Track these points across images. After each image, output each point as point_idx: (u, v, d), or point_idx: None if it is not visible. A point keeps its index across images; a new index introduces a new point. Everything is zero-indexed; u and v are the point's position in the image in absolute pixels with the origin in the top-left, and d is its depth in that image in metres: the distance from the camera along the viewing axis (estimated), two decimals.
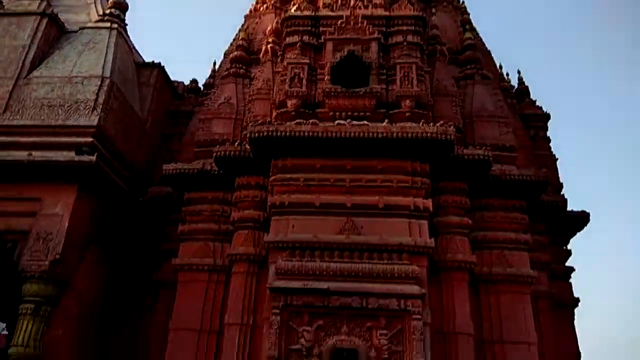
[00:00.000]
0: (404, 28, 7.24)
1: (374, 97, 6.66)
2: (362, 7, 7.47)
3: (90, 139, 7.07)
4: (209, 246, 6.77)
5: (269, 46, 8.07)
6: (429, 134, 5.98)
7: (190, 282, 6.57)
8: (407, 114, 6.52)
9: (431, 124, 6.21)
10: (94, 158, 6.68)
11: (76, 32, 8.38)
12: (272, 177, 6.45)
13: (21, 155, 6.79)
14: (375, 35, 7.03)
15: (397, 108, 6.66)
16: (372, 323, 5.42)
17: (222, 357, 6.03)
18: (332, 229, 6.00)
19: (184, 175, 7.01)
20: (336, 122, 6.29)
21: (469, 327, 6.02)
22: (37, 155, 6.79)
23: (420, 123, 6.16)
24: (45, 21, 8.10)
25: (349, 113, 6.55)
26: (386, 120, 6.27)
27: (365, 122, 6.24)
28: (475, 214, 6.77)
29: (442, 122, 6.29)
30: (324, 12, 7.55)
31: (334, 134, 6.07)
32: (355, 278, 5.63)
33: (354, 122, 6.21)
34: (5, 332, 9.21)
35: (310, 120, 6.34)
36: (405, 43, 7.05)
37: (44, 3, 8.28)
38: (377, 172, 6.24)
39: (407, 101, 6.63)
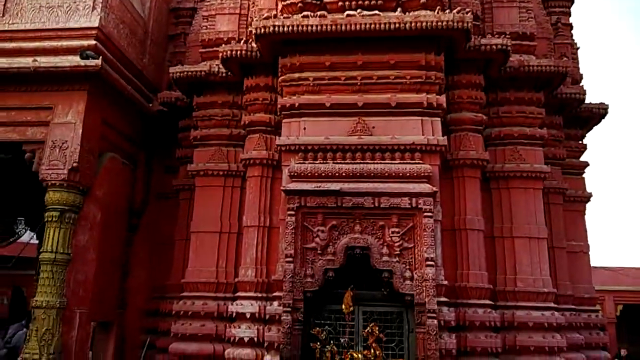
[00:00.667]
0: None
1: None
2: None
3: (93, 42, 6.77)
4: (222, 151, 6.83)
5: None
6: (444, 23, 5.61)
7: (207, 187, 6.74)
8: (421, 1, 6.02)
9: (447, 11, 5.79)
10: (99, 62, 6.42)
11: None
12: (281, 78, 6.27)
13: (26, 62, 6.55)
14: None
15: None
16: (384, 221, 5.55)
17: (242, 257, 6.37)
18: (344, 130, 5.94)
19: (191, 78, 6.83)
20: (345, 13, 5.90)
21: (480, 224, 6.17)
22: (43, 61, 6.54)
23: (436, 11, 5.74)
24: None
25: (359, 2, 6.06)
26: (399, 9, 5.86)
27: (377, 11, 5.85)
28: (489, 110, 6.58)
29: (458, 8, 5.85)
30: None
31: (342, 28, 5.73)
32: (368, 178, 5.68)
33: (365, 13, 5.83)
34: (36, 241, 9.81)
35: (318, 12, 5.96)
36: None
37: None
38: (389, 67, 5.99)
39: None
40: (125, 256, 7.51)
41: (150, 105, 7.61)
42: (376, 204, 5.55)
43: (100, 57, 6.50)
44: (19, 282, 15.21)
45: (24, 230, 10.80)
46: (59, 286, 6.07)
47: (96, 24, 6.79)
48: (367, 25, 5.67)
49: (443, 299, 5.61)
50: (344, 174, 5.71)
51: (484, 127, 6.46)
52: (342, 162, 5.83)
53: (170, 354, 6.27)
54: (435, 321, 5.17)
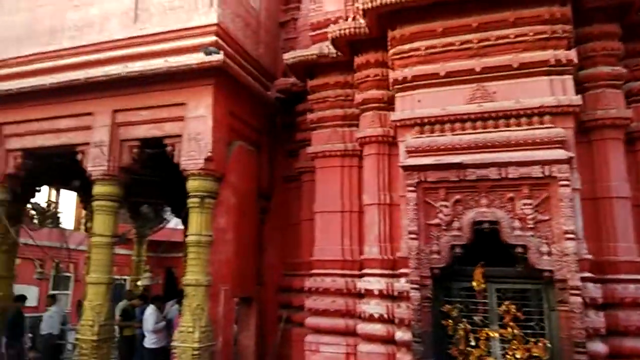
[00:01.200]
0: None
1: None
2: None
3: (213, 38, 7.15)
4: (338, 132, 6.90)
5: None
6: None
7: (326, 168, 6.88)
8: None
9: None
10: (221, 57, 6.76)
11: None
12: (391, 51, 6.09)
13: (159, 63, 7.10)
14: None
15: None
16: (514, 193, 5.18)
17: (365, 235, 6.44)
18: (461, 98, 5.61)
19: (303, 63, 6.97)
20: None
21: (626, 190, 5.47)
22: (172, 61, 7.05)
23: None
24: None
25: None
26: None
27: None
28: (629, 62, 5.74)
29: None
30: None
31: None
32: (492, 148, 5.31)
33: None
34: (181, 227, 10.94)
35: None
36: None
37: None
38: (508, 26, 5.48)
39: None
40: (259, 236, 8.08)
41: (269, 92, 7.95)
42: (503, 175, 5.18)
43: (222, 52, 6.89)
44: (170, 263, 17.29)
45: (171, 217, 12.17)
46: (204, 265, 6.74)
47: (215, 21, 7.16)
48: None
49: (587, 274, 5.12)
50: (464, 145, 5.42)
51: (623, 82, 5.67)
52: (462, 132, 5.54)
53: (307, 327, 6.64)
54: (580, 298, 4.74)
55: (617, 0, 5.42)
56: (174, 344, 6.46)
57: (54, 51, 8.03)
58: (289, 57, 7.07)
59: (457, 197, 5.41)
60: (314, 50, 6.89)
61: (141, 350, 8.26)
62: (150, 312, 8.10)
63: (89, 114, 7.60)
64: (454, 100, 5.64)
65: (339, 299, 6.44)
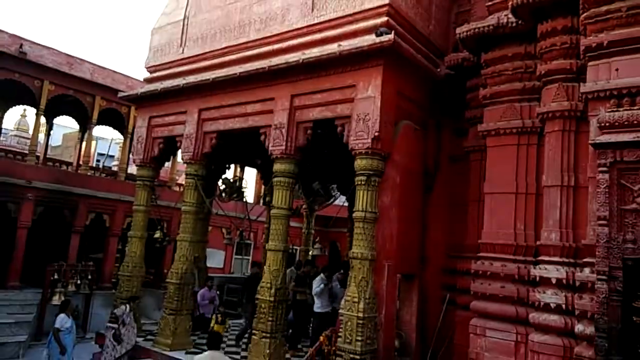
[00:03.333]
0: None
1: None
2: None
3: (385, 19, 7.18)
4: (515, 107, 6.43)
5: None
6: None
7: (499, 146, 6.50)
8: None
9: None
10: (392, 37, 6.71)
11: None
12: (584, 14, 5.42)
13: (332, 48, 7.34)
14: None
15: None
16: None
17: (542, 219, 5.94)
18: None
19: (478, 35, 6.62)
20: None
21: None
22: (345, 45, 7.24)
23: None
24: None
25: None
26: None
27: None
28: None
29: None
30: None
31: None
32: None
33: None
34: (346, 204, 11.34)
35: None
36: None
37: None
38: None
39: None
40: (423, 215, 7.97)
41: (438, 70, 7.74)
42: None
43: (393, 32, 6.89)
44: (335, 237, 18.25)
45: (338, 194, 12.76)
46: (370, 240, 6.89)
47: (387, 1, 7.21)
48: None
49: None
50: None
51: None
52: None
53: (472, 311, 6.41)
54: None
55: None
56: (341, 311, 6.79)
57: (243, 43, 8.98)
58: (462, 30, 6.79)
59: None
60: (490, 20, 6.50)
61: (312, 314, 8.96)
62: (317, 279, 8.72)
63: (271, 99, 8.28)
64: None
65: (509, 284, 6.07)
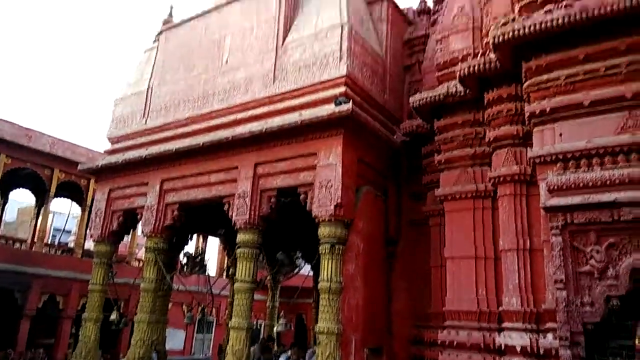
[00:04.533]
0: None
1: None
2: None
3: (343, 89, 7.44)
4: (468, 172, 6.56)
5: None
6: None
7: (456, 211, 6.53)
8: None
9: None
10: (350, 106, 6.92)
11: None
12: (527, 83, 5.69)
13: (293, 117, 7.55)
14: None
15: None
16: None
17: (502, 283, 5.88)
18: (609, 129, 4.97)
19: (430, 103, 6.86)
20: None
21: None
22: (305, 114, 7.43)
23: None
24: None
25: None
26: None
27: None
28: None
29: None
30: None
31: (595, 13, 4.89)
32: None
33: None
34: (311, 273, 11.13)
35: (564, 2, 5.21)
36: None
37: None
38: None
39: None
40: (387, 283, 7.82)
41: (395, 136, 7.94)
42: None
43: (350, 101, 7.11)
44: (301, 309, 17.54)
45: (303, 263, 12.49)
46: (335, 313, 6.66)
47: (344, 73, 7.50)
48: (629, 3, 4.69)
49: None
50: (617, 181, 4.74)
51: None
52: (613, 167, 4.86)
53: None
54: None
55: None
56: None
57: (207, 113, 9.09)
58: (415, 99, 7.03)
59: (611, 240, 4.73)
60: (440, 90, 6.77)
61: None
62: (284, 357, 8.29)
63: (234, 167, 8.27)
64: (601, 131, 5.03)
65: (475, 354, 5.87)
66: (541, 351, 5.23)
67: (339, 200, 6.89)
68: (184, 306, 17.67)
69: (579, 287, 4.76)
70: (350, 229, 7.12)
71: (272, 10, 8.75)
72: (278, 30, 8.56)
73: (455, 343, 6.06)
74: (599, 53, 5.13)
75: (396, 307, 7.75)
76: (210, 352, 16.87)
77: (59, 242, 22.15)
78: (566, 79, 5.33)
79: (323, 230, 7.01)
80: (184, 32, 10.24)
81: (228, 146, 8.25)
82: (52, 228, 27.58)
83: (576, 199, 4.91)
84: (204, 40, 9.70)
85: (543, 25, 5.21)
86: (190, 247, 13.20)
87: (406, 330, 7.58)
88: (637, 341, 4.44)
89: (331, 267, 6.84)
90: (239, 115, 8.56)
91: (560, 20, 5.10)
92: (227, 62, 9.16)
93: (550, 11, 5.24)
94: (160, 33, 10.78)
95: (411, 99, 7.14)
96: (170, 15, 11.00)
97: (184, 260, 10.73)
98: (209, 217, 10.00)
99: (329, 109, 7.25)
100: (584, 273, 4.77)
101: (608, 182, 4.79)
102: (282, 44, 8.47)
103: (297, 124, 7.43)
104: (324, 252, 6.97)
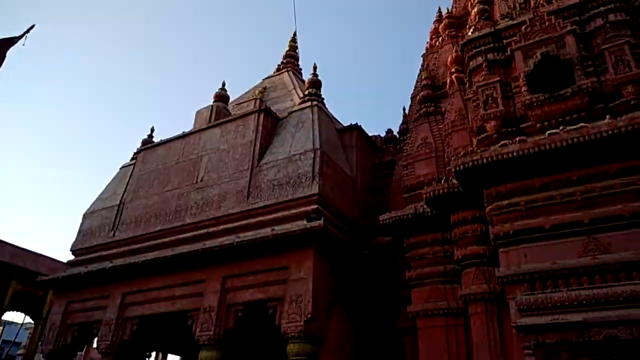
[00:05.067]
0: (602, 9, 6.30)
1: (585, 95, 5.80)
2: (544, 4, 6.81)
3: (315, 206, 7.78)
4: (439, 289, 6.72)
5: (453, 76, 7.95)
6: None
7: (428, 328, 6.56)
8: (632, 102, 5.51)
9: None
10: (321, 222, 7.20)
11: (286, 117, 9.61)
12: (488, 208, 6.12)
13: (266, 232, 7.73)
14: (569, 27, 6.26)
15: (617, 99, 5.72)
16: None
17: None
18: (572, 251, 5.30)
19: (399, 222, 7.20)
20: (547, 133, 5.71)
21: None
22: (278, 229, 7.65)
23: None
24: (262, 116, 9.45)
25: (559, 119, 5.83)
26: (607, 116, 5.40)
27: (582, 124, 5.51)
28: None
29: None
30: (504, 23, 7.07)
31: (546, 147, 5.51)
32: (617, 304, 4.80)
33: (568, 128, 5.53)
34: None
35: (517, 138, 5.88)
36: (607, 24, 6.11)
37: (258, 102, 9.84)
38: (611, 177, 5.36)
39: (629, 87, 5.60)
40: None
41: (366, 252, 8.13)
42: (636, 335, 4.59)
43: (322, 218, 7.39)
44: None
45: None
46: None
47: (316, 191, 7.87)
48: (575, 139, 5.33)
49: None
50: (584, 302, 4.96)
51: None
52: (579, 287, 5.11)
53: None
54: None
55: None
56: None
57: (178, 226, 9.14)
58: (384, 217, 7.37)
59: None
60: (408, 210, 7.15)
61: None
62: None
63: (202, 281, 8.16)
64: (564, 253, 5.35)
65: None
66: None
67: (309, 316, 6.84)
68: None
69: None
70: (321, 346, 6.94)
71: (250, 135, 9.34)
72: (254, 152, 9.06)
73: None
74: (554, 182, 5.64)
75: None
76: None
77: (7, 354, 20.04)
78: (526, 204, 5.77)
79: (292, 348, 6.85)
80: (162, 150, 10.63)
81: (196, 259, 8.21)
82: (1, 340, 25.37)
83: (546, 319, 5.06)
84: (181, 159, 10.09)
85: (499, 157, 5.77)
86: None
87: None
88: None
89: None
90: (210, 229, 8.63)
91: (515, 154, 5.68)
92: (202, 179, 9.46)
93: (505, 145, 5.86)
94: (138, 152, 11.13)
95: (381, 217, 7.47)
96: (151, 135, 11.46)
97: None
98: (170, 332, 9.53)
99: (301, 224, 7.49)
100: None
101: (575, 302, 5.00)
102: (258, 164, 8.91)
103: (269, 238, 7.58)
104: None
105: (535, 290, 5.37)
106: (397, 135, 9.67)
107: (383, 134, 10.30)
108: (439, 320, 6.54)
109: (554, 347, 4.97)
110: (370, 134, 10.14)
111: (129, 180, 10.75)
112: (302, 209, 7.91)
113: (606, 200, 5.34)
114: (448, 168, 6.87)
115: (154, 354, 15.78)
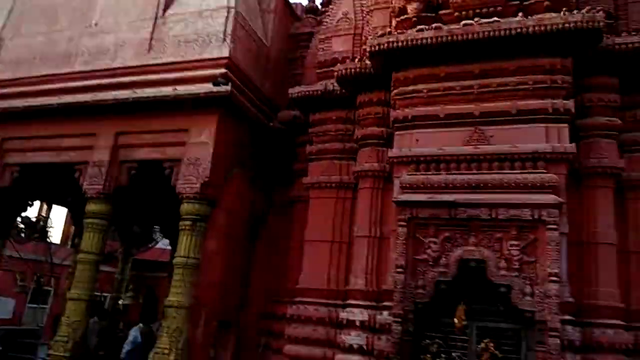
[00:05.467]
0: None
1: None
2: None
3: (223, 70, 7.33)
4: (335, 164, 7.05)
5: None
6: (571, 24, 5.25)
7: (320, 198, 6.99)
8: (545, 3, 5.68)
9: (575, 11, 5.37)
10: (229, 88, 6.96)
11: None
12: (394, 91, 6.34)
13: (167, 90, 7.33)
14: None
15: None
16: (502, 234, 5.29)
17: (352, 265, 6.45)
18: (459, 140, 5.79)
19: (308, 97, 7.24)
20: (462, 22, 5.78)
21: (612, 237, 5.55)
22: (181, 89, 7.26)
23: (562, 12, 5.37)
24: None
25: (477, 11, 5.89)
26: (520, 14, 5.59)
27: (496, 18, 5.64)
28: (625, 113, 5.95)
29: (587, 8, 5.45)
30: None
31: (459, 37, 5.67)
32: (484, 189, 5.46)
33: (483, 20, 5.66)
34: (169, 248, 10.84)
35: (434, 25, 5.92)
36: None
37: None
38: (509, 74, 5.73)
39: None
40: (249, 262, 8.00)
41: (271, 124, 8.15)
42: (493, 216, 5.31)
43: (230, 84, 7.13)
44: (153, 283, 16.79)
45: (160, 237, 12.07)
46: (188, 288, 6.69)
47: (226, 54, 7.42)
48: (486, 33, 5.54)
49: (567, 317, 5.13)
50: (458, 185, 5.56)
51: (619, 132, 5.85)
52: (457, 172, 5.68)
53: (284, 355, 6.49)
54: (558, 340, 4.76)
55: (617, 55, 5.67)
56: None
57: (67, 73, 8.28)
58: (294, 91, 7.34)
59: (447, 234, 5.51)
60: (318, 86, 7.17)
61: None
62: (131, 332, 7.93)
63: (92, 134, 7.77)
64: (452, 141, 5.82)
65: (320, 327, 6.34)
66: (377, 325, 5.86)
67: (207, 179, 6.90)
68: (17, 274, 15.85)
69: (415, 272, 5.49)
70: (215, 208, 7.13)
71: None
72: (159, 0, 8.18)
73: (303, 317, 6.47)
74: (457, 74, 5.94)
75: (254, 285, 7.94)
76: (44, 323, 15.24)
77: None
78: (428, 92, 6.07)
79: (186, 207, 6.97)
80: None
81: (87, 111, 7.72)
82: None
83: (422, 197, 5.64)
84: None
85: (414, 42, 5.88)
86: (34, 213, 11.82)
87: (261, 306, 7.81)
88: (455, 320, 5.22)
89: (190, 243, 6.85)
90: (105, 81, 7.98)
91: (429, 40, 5.81)
92: (96, 24, 8.47)
93: (422, 30, 5.93)
94: None
95: (290, 90, 7.43)
96: None
97: (22, 226, 9.65)
98: (56, 182, 9.13)
99: (207, 87, 7.18)
100: (421, 260, 5.51)
101: (451, 185, 5.59)
102: (163, 14, 8.10)
103: (171, 99, 7.26)
104: (184, 228, 6.94)
105: (419, 171, 5.88)
106: (320, 6, 9.24)
107: (305, 2, 9.78)
108: (331, 192, 6.97)
109: (424, 220, 5.62)
110: (292, 1, 9.59)
111: (10, 13, 9.33)
112: (209, 71, 7.49)
113: (499, 96, 5.77)
114: (364, 47, 6.83)
115: (37, 203, 15.19)
